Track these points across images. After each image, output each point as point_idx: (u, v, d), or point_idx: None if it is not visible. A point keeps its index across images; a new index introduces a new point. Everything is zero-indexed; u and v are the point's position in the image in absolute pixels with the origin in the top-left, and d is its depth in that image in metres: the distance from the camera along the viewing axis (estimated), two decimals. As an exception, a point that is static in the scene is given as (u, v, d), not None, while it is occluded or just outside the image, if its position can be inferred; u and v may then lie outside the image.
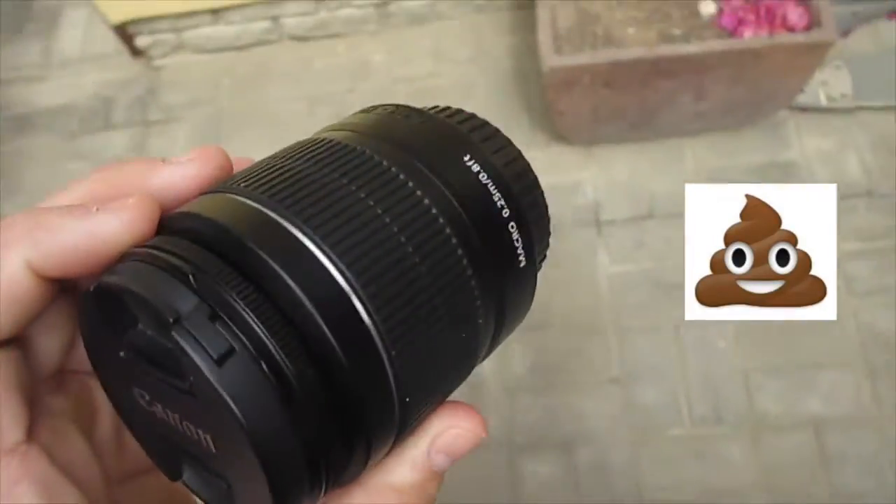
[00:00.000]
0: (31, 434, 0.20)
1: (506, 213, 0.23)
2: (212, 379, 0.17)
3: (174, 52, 1.71)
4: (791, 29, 1.19)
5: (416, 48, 1.67)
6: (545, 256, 0.26)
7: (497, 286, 0.22)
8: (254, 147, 1.01)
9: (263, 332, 0.18)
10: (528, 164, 0.25)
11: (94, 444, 0.23)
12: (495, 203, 0.23)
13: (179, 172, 0.22)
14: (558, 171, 1.48)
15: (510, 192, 0.23)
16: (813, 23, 1.18)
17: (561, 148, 1.48)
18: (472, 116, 0.25)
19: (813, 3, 1.18)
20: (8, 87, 1.80)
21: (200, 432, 0.19)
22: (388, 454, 0.22)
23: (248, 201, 0.20)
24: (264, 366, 0.17)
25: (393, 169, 0.21)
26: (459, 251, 0.21)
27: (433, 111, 0.25)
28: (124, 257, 0.20)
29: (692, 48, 1.16)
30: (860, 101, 1.40)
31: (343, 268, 0.19)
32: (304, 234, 0.19)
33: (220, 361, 0.17)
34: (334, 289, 0.19)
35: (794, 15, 1.20)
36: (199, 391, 0.17)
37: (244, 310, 0.18)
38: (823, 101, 1.40)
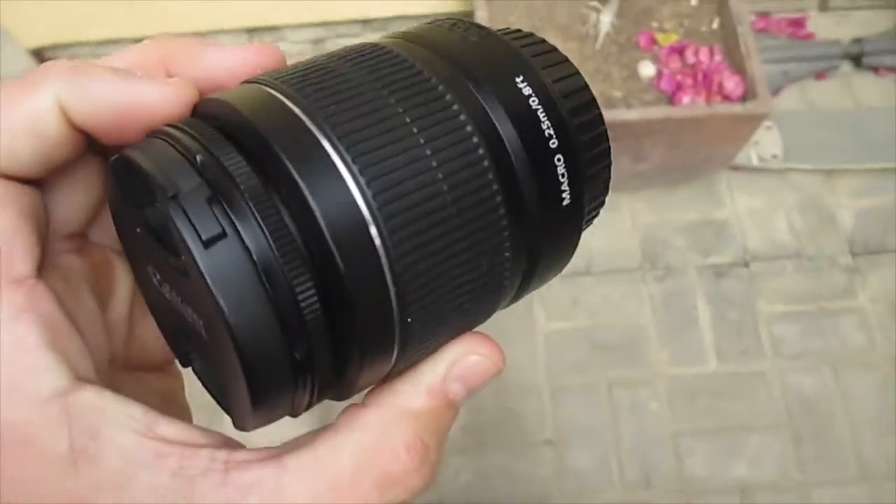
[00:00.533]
0: (41, 274, 0.19)
1: (553, 143, 0.21)
2: (198, 259, 0.17)
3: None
4: (727, 97, 1.20)
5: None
6: (603, 202, 0.24)
7: (532, 223, 0.21)
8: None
9: (259, 225, 0.17)
10: (586, 83, 0.23)
11: (105, 319, 0.23)
12: (543, 132, 0.21)
13: (229, 57, 0.22)
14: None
15: (562, 120, 0.22)
16: (748, 91, 1.20)
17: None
18: (532, 35, 0.24)
19: (748, 72, 1.19)
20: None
21: (196, 316, 0.19)
22: (400, 377, 0.21)
23: (279, 95, 0.19)
24: (253, 255, 0.17)
25: (440, 87, 0.20)
26: (492, 177, 0.20)
27: (496, 30, 0.24)
28: (152, 134, 0.20)
29: (633, 115, 1.16)
30: (790, 163, 1.43)
31: (362, 182, 0.18)
32: (327, 137, 0.18)
33: (207, 243, 0.17)
34: (347, 198, 0.18)
35: (731, 83, 1.21)
36: (190, 271, 0.17)
37: (245, 199, 0.17)
38: (755, 161, 1.42)
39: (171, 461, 0.18)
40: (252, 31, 1.55)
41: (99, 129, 0.20)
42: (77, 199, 0.22)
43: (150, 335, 0.24)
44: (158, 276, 0.20)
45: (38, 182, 0.21)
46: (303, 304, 0.18)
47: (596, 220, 0.25)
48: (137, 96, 0.20)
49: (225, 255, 0.17)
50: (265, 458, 0.19)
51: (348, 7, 1.51)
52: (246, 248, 0.17)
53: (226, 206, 0.17)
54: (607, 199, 0.24)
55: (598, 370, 1.33)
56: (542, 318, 1.38)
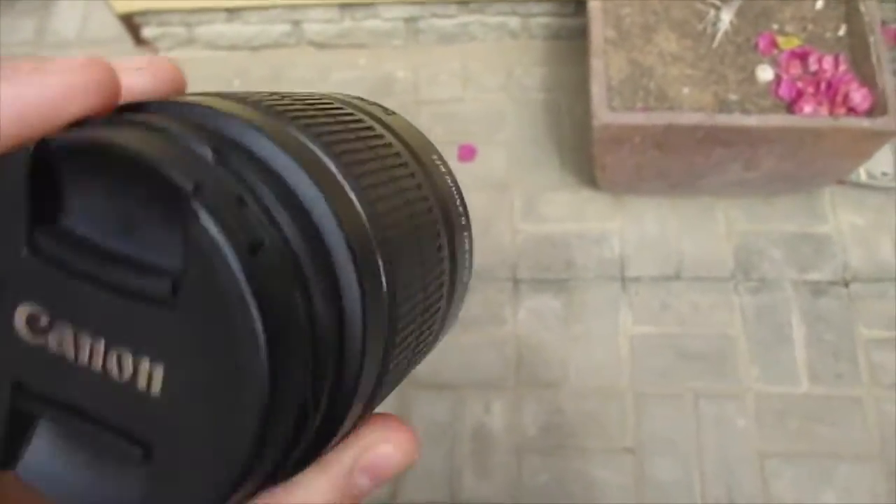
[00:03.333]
0: None
1: (462, 220, 0.22)
2: (237, 270, 0.13)
3: (184, 45, 1.59)
4: (853, 110, 1.14)
5: (444, 68, 1.58)
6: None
7: (452, 287, 0.21)
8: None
9: (293, 230, 0.14)
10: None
11: None
12: (458, 207, 0.22)
13: (130, 82, 0.17)
14: (585, 218, 1.41)
15: (464, 202, 0.22)
16: (876, 106, 1.13)
17: (591, 194, 1.42)
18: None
19: (878, 85, 1.13)
20: (-4, 61, 1.67)
21: (144, 363, 0.14)
22: (314, 460, 0.18)
23: (249, 110, 0.16)
24: (298, 266, 0.14)
25: (392, 143, 0.20)
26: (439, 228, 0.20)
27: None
28: (81, 124, 0.15)
29: (752, 121, 1.10)
30: (901, 181, 1.36)
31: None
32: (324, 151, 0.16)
33: (253, 249, 0.13)
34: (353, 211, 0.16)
35: (858, 96, 1.14)
36: (194, 291, 0.13)
37: (273, 201, 0.14)
38: (863, 177, 1.36)
39: None
40: (345, 7, 1.51)
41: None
42: None
43: None
44: (48, 318, 0.15)
45: None
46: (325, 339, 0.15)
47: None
48: (31, 92, 0.15)
49: (267, 264, 0.13)
50: None
51: (448, -14, 1.47)
52: (289, 257, 0.14)
53: (257, 208, 0.14)
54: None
55: (684, 380, 1.29)
56: (629, 320, 1.34)
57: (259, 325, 0.13)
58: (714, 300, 1.34)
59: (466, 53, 1.59)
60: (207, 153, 0.14)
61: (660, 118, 1.10)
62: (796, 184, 1.30)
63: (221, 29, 1.56)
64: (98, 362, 0.14)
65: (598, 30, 1.17)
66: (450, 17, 1.53)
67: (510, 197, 1.45)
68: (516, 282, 1.38)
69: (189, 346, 0.14)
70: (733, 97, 1.17)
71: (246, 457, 0.14)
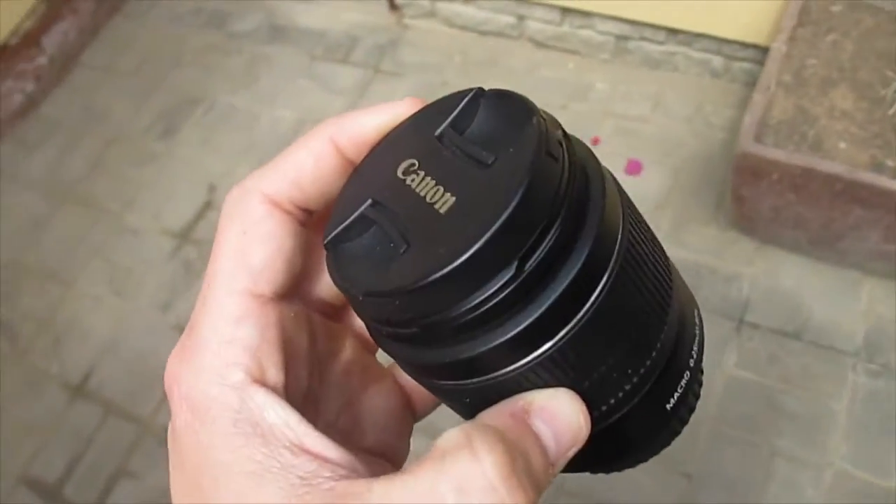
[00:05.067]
0: (282, 297, 0.25)
1: None
2: (534, 156, 0.20)
3: (425, 17, 1.83)
4: None
5: (639, 89, 1.68)
6: None
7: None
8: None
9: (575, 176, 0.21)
10: None
11: (319, 367, 0.26)
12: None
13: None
14: (723, 256, 1.44)
15: None
16: None
17: (736, 235, 1.44)
18: None
19: None
20: (281, -1, 2.02)
21: (447, 195, 0.21)
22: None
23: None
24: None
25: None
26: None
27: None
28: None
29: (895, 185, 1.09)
30: None
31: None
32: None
33: (551, 156, 0.21)
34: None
35: None
36: (505, 163, 0.21)
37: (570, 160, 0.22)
38: None
39: (300, 469, 0.21)
40: (566, 11, 1.65)
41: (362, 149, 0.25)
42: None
43: (369, 418, 0.28)
44: (416, 165, 0.23)
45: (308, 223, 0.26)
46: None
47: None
48: (391, 111, 0.25)
49: (548, 165, 0.21)
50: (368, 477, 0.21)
51: (658, 11, 1.56)
52: (560, 173, 0.21)
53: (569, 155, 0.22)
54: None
55: (768, 433, 1.27)
56: (732, 361, 1.34)
57: (525, 186, 0.20)
58: (828, 370, 1.31)
59: (664, 81, 1.67)
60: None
61: (800, 159, 1.12)
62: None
63: (459, 9, 1.77)
64: (424, 191, 0.22)
65: (773, 70, 1.21)
66: (658, 43, 1.62)
67: (660, 217, 1.50)
68: (636, 292, 1.43)
69: (480, 190, 0.21)
70: (890, 163, 1.16)
71: (473, 248, 0.20)
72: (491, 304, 0.20)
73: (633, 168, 1.56)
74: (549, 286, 0.20)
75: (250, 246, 0.24)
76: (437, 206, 0.21)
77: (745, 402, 1.31)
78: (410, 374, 0.24)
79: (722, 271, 1.43)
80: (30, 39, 1.93)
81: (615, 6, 1.58)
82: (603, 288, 0.21)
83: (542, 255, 0.20)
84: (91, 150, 1.88)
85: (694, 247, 1.46)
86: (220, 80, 1.92)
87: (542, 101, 1.55)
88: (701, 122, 1.61)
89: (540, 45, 1.76)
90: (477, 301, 0.20)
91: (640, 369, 0.23)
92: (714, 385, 1.33)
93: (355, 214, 0.23)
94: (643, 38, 1.63)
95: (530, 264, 0.20)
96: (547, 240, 0.20)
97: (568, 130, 0.23)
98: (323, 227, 0.24)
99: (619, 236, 0.22)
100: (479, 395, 0.22)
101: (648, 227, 0.24)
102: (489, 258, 0.19)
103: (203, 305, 0.23)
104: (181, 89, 1.93)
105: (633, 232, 0.23)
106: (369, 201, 0.23)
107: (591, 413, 0.22)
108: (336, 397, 0.27)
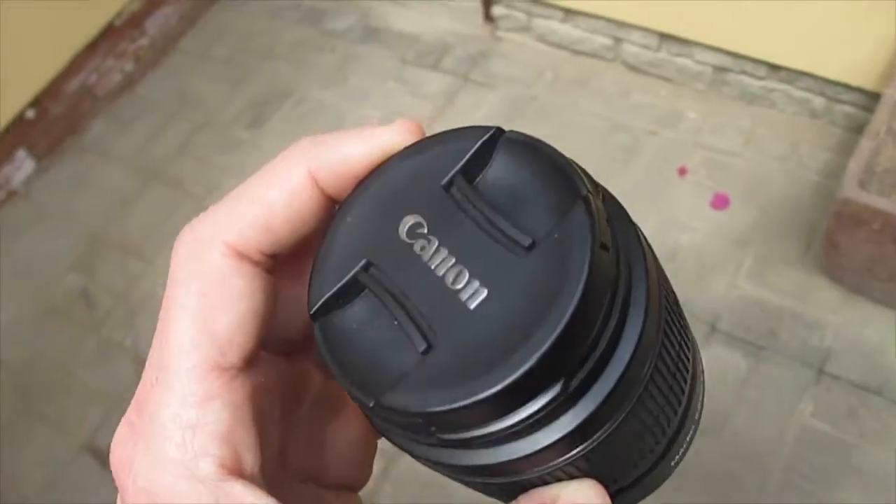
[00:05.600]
0: (248, 364, 0.21)
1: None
2: (588, 249, 0.18)
3: (519, 31, 1.83)
4: None
5: (733, 123, 1.64)
6: None
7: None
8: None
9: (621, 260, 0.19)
10: None
11: (283, 420, 0.24)
12: None
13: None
14: (808, 301, 1.40)
15: None
16: None
17: (824, 281, 1.40)
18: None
19: None
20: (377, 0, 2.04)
21: (475, 283, 0.19)
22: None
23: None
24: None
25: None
26: None
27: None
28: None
29: None
30: None
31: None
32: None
33: (603, 247, 0.18)
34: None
35: None
36: (547, 252, 0.18)
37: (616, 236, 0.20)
38: None
39: None
40: (664, 37, 1.63)
41: (346, 186, 0.21)
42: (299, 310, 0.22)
43: (334, 453, 0.25)
44: (426, 229, 0.20)
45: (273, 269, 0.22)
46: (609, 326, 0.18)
47: None
48: (382, 138, 0.21)
49: (602, 262, 0.18)
50: None
51: (762, 46, 1.53)
52: (615, 269, 0.19)
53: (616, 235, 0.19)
54: None
55: (838, 487, 1.23)
56: (808, 410, 1.30)
57: (579, 296, 0.17)
58: (909, 431, 1.26)
59: (760, 117, 1.64)
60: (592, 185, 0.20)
61: (907, 211, 1.09)
62: None
63: (555, 26, 1.77)
64: (441, 269, 0.19)
65: (884, 117, 1.18)
66: (758, 77, 1.59)
67: (744, 254, 1.47)
68: (713, 329, 1.40)
69: (518, 287, 0.18)
70: None
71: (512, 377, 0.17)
72: (528, 422, 0.18)
73: (720, 202, 1.53)
74: (587, 396, 0.19)
75: (214, 312, 0.20)
76: (462, 297, 0.18)
77: (819, 453, 1.27)
78: (420, 462, 0.22)
79: (805, 317, 1.39)
80: (134, 21, 1.99)
81: (717, 37, 1.56)
82: (640, 394, 0.20)
83: (587, 372, 0.18)
84: (180, 133, 1.92)
85: (777, 288, 1.43)
86: (311, 76, 1.95)
87: (631, 123, 1.53)
88: (795, 162, 1.57)
89: (633, 68, 1.75)
90: (514, 421, 0.18)
91: (659, 446, 0.22)
92: (786, 431, 1.29)
93: (347, 278, 0.20)
94: (743, 72, 1.59)
95: (574, 382, 0.18)
96: (594, 354, 0.18)
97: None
98: (285, 265, 0.21)
99: (658, 335, 0.20)
100: (500, 488, 0.21)
101: (673, 291, 0.22)
102: (534, 379, 0.17)
103: (159, 383, 0.20)
104: (272, 81, 1.97)
105: (668, 318, 0.21)
106: (363, 262, 0.20)
107: (608, 488, 0.22)
108: (303, 442, 0.25)
